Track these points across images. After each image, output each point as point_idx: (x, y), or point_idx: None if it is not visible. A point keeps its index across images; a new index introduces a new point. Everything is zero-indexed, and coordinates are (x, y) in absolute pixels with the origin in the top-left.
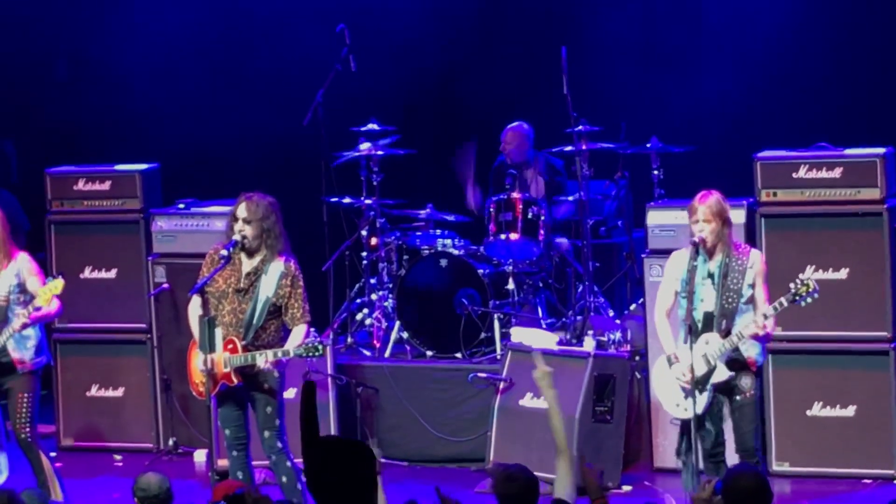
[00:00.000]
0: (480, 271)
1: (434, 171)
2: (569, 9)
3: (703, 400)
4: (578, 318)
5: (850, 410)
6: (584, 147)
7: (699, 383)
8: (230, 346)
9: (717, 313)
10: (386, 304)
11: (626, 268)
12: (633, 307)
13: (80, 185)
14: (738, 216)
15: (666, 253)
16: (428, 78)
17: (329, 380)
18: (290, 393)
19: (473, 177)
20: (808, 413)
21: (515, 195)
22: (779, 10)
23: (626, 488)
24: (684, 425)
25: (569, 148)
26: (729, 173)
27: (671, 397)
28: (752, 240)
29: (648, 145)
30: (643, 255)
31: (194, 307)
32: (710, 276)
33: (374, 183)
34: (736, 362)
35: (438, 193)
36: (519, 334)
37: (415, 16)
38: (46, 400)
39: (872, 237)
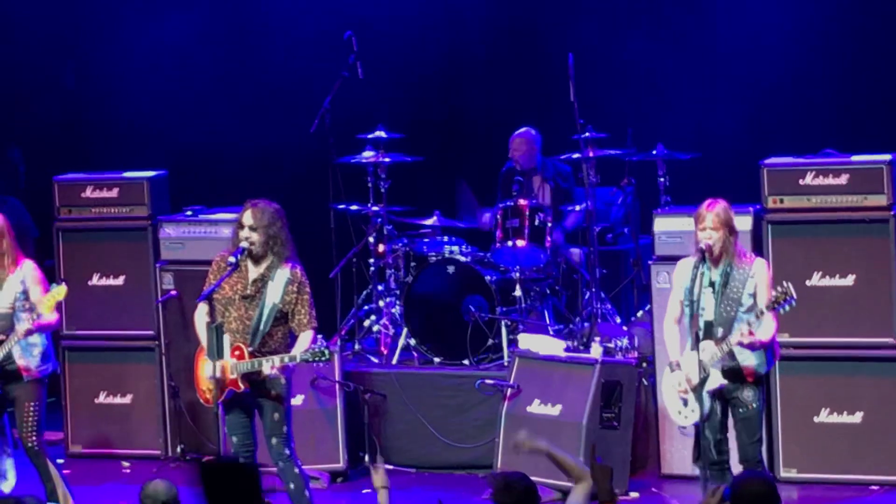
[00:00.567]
0: (487, 278)
1: (441, 178)
2: (576, 16)
3: (699, 407)
4: (585, 324)
5: (858, 417)
6: (590, 154)
7: (695, 391)
8: (237, 353)
9: (716, 321)
10: (393, 310)
11: (633, 274)
12: (640, 314)
13: (88, 193)
14: (744, 223)
15: (673, 259)
16: (435, 85)
17: (337, 386)
18: (297, 400)
19: (477, 205)
20: (816, 419)
21: (522, 202)
22: (785, 18)
23: (634, 495)
24: (698, 432)
25: (575, 155)
26: (735, 180)
27: (673, 404)
28: (758, 246)
29: (654, 152)
30: (650, 262)
31: (201, 314)
32: (712, 284)
33: (382, 190)
34: (734, 372)
35: (445, 200)
36: (526, 341)
37: (422, 23)
38: (54, 407)
39: (879, 244)
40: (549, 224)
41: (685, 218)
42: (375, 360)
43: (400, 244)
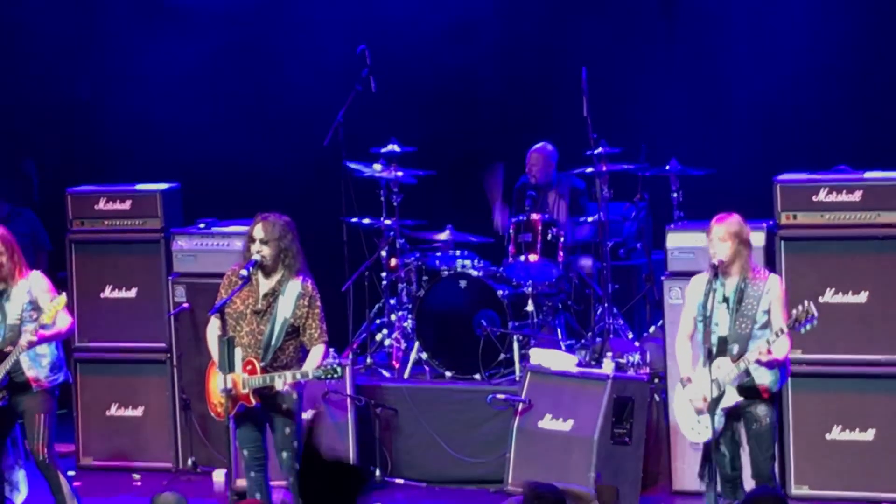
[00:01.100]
0: (500, 292)
1: (454, 192)
2: (589, 30)
3: (712, 424)
4: (598, 339)
5: (870, 434)
6: (603, 169)
7: (708, 408)
8: (249, 368)
9: (730, 338)
10: (405, 324)
11: (646, 290)
12: (652, 329)
13: (101, 205)
14: (758, 239)
15: (685, 275)
16: (448, 99)
17: (348, 400)
18: (308, 414)
19: (501, 198)
20: (828, 436)
21: (535, 216)
22: (800, 35)
23: None
24: (706, 449)
25: (589, 170)
26: (748, 196)
27: (686, 420)
28: (771, 262)
29: (668, 167)
30: (662, 278)
31: (213, 328)
32: (726, 300)
33: (394, 203)
34: (749, 389)
35: (458, 214)
36: (538, 356)
37: (435, 37)
38: (66, 419)
39: (892, 260)
40: (562, 239)
41: (698, 233)
42: (387, 374)
43: (412, 258)
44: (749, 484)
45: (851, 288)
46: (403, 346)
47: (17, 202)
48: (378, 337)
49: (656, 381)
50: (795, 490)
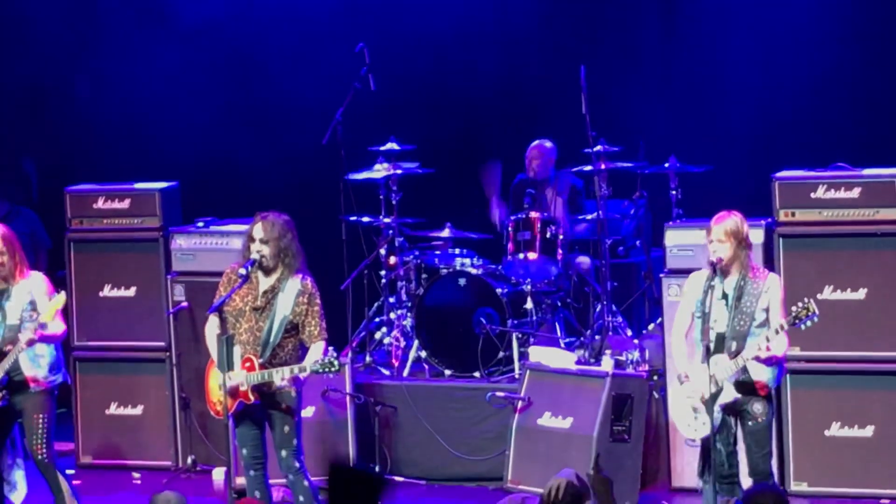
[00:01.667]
0: (499, 290)
1: (453, 190)
2: (588, 28)
3: (710, 421)
4: (597, 337)
5: (869, 430)
6: (602, 166)
7: (706, 404)
8: (247, 365)
9: (729, 335)
10: (404, 322)
11: (645, 287)
12: (651, 327)
13: (100, 204)
14: (756, 236)
15: (684, 273)
16: (447, 96)
17: (347, 398)
18: (308, 411)
19: (498, 193)
20: (827, 433)
21: (534, 214)
22: (798, 32)
23: None
24: (704, 446)
25: (587, 167)
26: (747, 193)
27: (683, 417)
28: (769, 260)
29: (667, 165)
30: (661, 275)
31: (211, 326)
32: (725, 297)
33: (393, 202)
34: (746, 385)
35: (457, 212)
36: (537, 353)
37: (434, 35)
38: (65, 418)
39: (891, 257)
40: (561, 237)
41: (697, 231)
42: (386, 373)
43: (411, 256)
44: (746, 481)
45: (850, 285)
46: (403, 344)
47: (16, 201)
48: (377, 335)
49: (655, 378)
50: (794, 487)
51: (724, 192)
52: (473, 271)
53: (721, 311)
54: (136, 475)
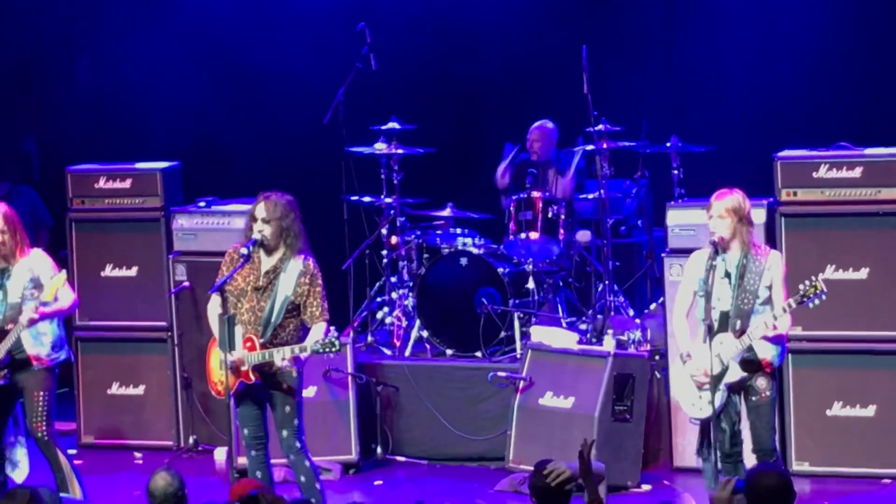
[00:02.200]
0: (500, 270)
1: (454, 170)
2: (590, 8)
3: (716, 399)
4: (598, 317)
5: (871, 410)
6: (604, 146)
7: (710, 383)
8: (248, 344)
9: (733, 313)
10: (406, 302)
11: (646, 267)
12: (653, 306)
13: (101, 183)
14: (758, 216)
15: (686, 252)
16: (448, 76)
17: (349, 378)
18: (309, 392)
19: (509, 165)
20: (828, 413)
21: (535, 194)
22: (800, 11)
23: (646, 487)
24: (704, 425)
25: (589, 147)
26: (749, 173)
27: (686, 396)
28: (771, 239)
29: (668, 144)
30: (663, 255)
31: (213, 306)
32: (728, 275)
33: (395, 181)
34: (750, 363)
35: (459, 192)
36: (539, 333)
37: (435, 13)
38: (67, 397)
39: (893, 237)
40: (563, 217)
41: (699, 210)
42: (388, 352)
43: (413, 236)
44: (749, 459)
45: (852, 264)
46: (404, 323)
47: (16, 180)
48: (379, 315)
49: (657, 357)
50: (796, 466)
51: (726, 172)
52: (475, 251)
53: (724, 289)
54: (138, 455)
